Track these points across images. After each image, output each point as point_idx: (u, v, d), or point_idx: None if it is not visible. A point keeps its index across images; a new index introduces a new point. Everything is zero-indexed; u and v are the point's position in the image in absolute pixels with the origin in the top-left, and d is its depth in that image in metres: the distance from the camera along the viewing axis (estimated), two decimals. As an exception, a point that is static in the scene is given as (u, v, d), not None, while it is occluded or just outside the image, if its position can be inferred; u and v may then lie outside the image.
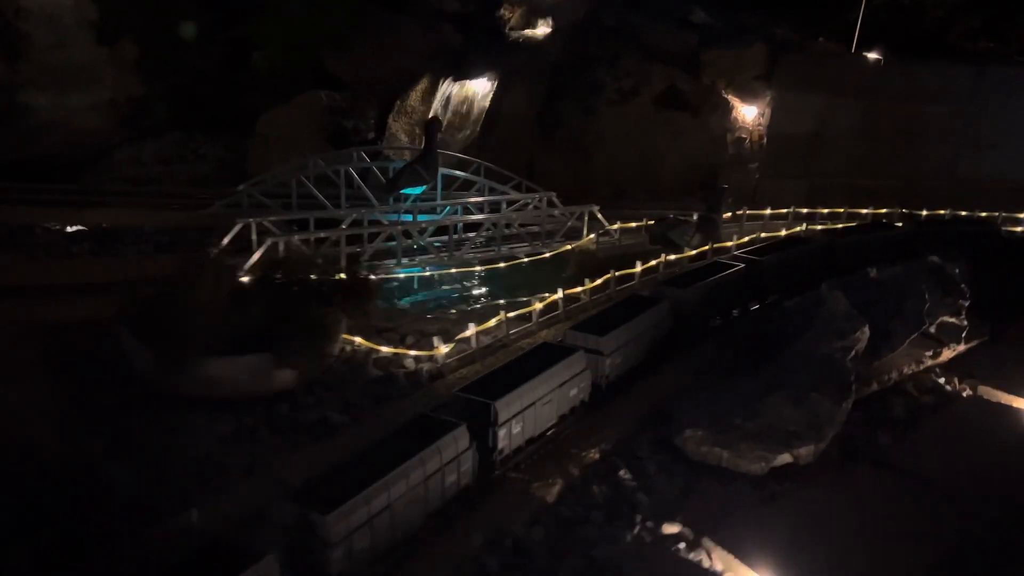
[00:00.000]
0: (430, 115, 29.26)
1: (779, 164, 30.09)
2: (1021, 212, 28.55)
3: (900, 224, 23.73)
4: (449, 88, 31.41)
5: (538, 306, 16.34)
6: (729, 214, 23.60)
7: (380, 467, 9.71)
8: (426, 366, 14.38)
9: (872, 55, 29.95)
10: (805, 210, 26.59)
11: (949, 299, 15.11)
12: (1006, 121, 32.00)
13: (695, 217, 22.74)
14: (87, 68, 29.97)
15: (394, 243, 20.76)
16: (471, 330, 14.92)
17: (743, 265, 17.53)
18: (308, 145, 28.69)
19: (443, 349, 14.28)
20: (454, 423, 10.66)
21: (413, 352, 14.61)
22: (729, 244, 21.64)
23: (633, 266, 20.28)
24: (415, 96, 31.06)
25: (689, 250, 21.45)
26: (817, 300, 14.49)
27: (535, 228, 23.66)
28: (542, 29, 33.11)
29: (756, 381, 12.79)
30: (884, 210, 27.20)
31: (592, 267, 22.49)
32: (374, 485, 9.46)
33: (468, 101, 31.34)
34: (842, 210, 26.67)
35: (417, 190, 23.11)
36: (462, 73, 31.72)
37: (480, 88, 31.45)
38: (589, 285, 17.75)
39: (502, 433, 11.13)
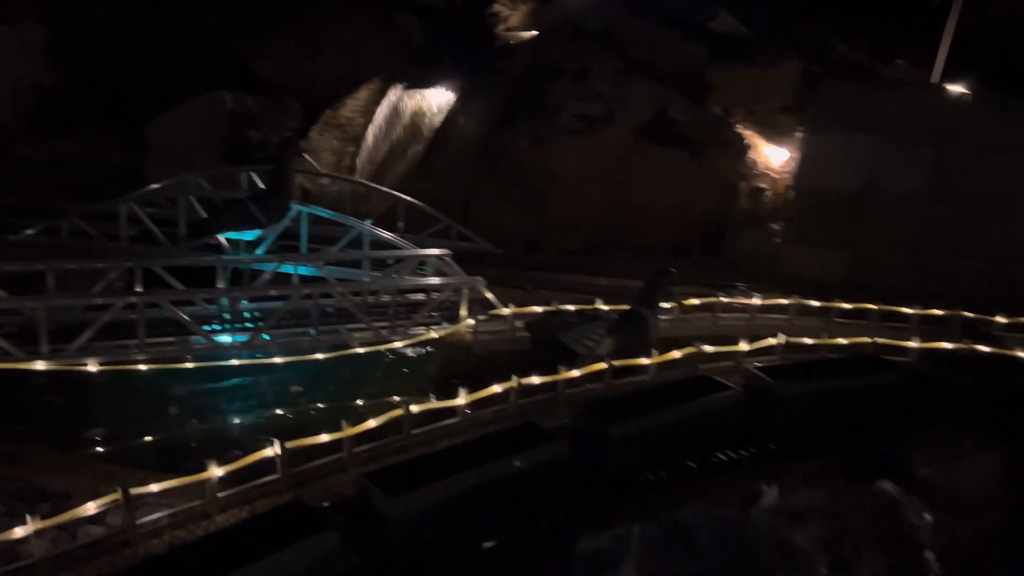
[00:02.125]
0: (372, 131, 23.20)
1: (810, 227, 22.18)
2: None
3: None
4: (399, 97, 25.24)
5: (215, 472, 9.87)
6: (671, 305, 16.22)
7: None
8: None
9: (955, 87, 21.57)
10: (816, 303, 18.75)
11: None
12: None
13: (631, 308, 15.46)
14: (-16, 51, 25.67)
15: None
16: (26, 526, 8.69)
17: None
18: (200, 158, 23.28)
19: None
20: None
21: None
22: (645, 361, 14.36)
23: (521, 371, 13.71)
24: (353, 105, 24.96)
25: (589, 362, 14.38)
26: None
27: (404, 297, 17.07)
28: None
29: None
30: (941, 312, 18.92)
31: (464, 369, 15.90)
32: None
33: (420, 116, 25.10)
34: (875, 307, 18.65)
35: (247, 235, 17.07)
36: (420, 80, 25.49)
37: (437, 101, 25.15)
38: (348, 431, 11.08)
39: None
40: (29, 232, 19.01)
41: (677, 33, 22.60)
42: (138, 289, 14.76)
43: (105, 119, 26.78)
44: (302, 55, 25.05)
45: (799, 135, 22.09)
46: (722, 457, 11.82)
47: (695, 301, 17.79)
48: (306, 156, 17.92)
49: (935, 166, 21.74)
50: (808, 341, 16.23)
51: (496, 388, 12.64)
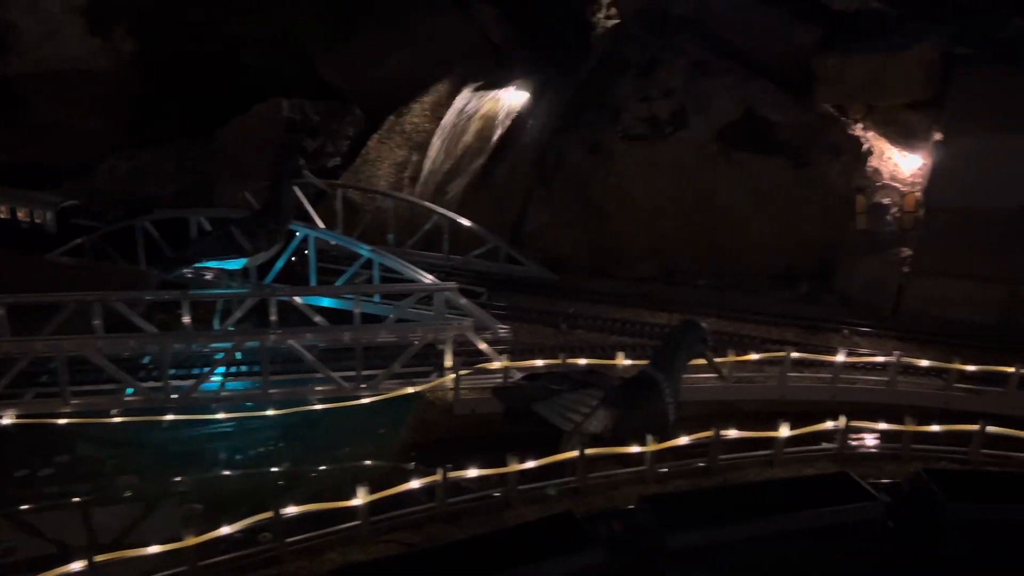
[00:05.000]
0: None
1: (948, 254, 17.33)
2: None
3: None
4: (471, 100, 22.80)
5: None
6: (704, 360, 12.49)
7: None
8: None
9: None
10: (925, 362, 14.25)
11: None
12: None
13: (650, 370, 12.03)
14: (81, 61, 26.12)
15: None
16: None
17: None
18: (256, 169, 22.16)
19: None
20: None
21: None
22: (634, 449, 11.00)
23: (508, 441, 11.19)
24: (420, 109, 22.94)
25: (577, 442, 11.30)
26: None
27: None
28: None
29: None
30: None
31: (440, 435, 13.32)
32: None
33: (490, 120, 22.52)
34: (1012, 369, 13.84)
35: (232, 264, 15.37)
36: (497, 79, 22.92)
37: (510, 102, 22.45)
38: (190, 541, 8.83)
39: None
40: (59, 250, 18.66)
41: (781, 13, 18.41)
42: (96, 325, 13.42)
43: (193, 128, 26.61)
44: (371, 57, 23.28)
45: (934, 139, 17.29)
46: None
47: (753, 356, 13.98)
48: (307, 174, 15.88)
49: None
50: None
51: (413, 484, 9.92)
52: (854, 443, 12.25)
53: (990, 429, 11.61)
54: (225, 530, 8.97)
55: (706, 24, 18.93)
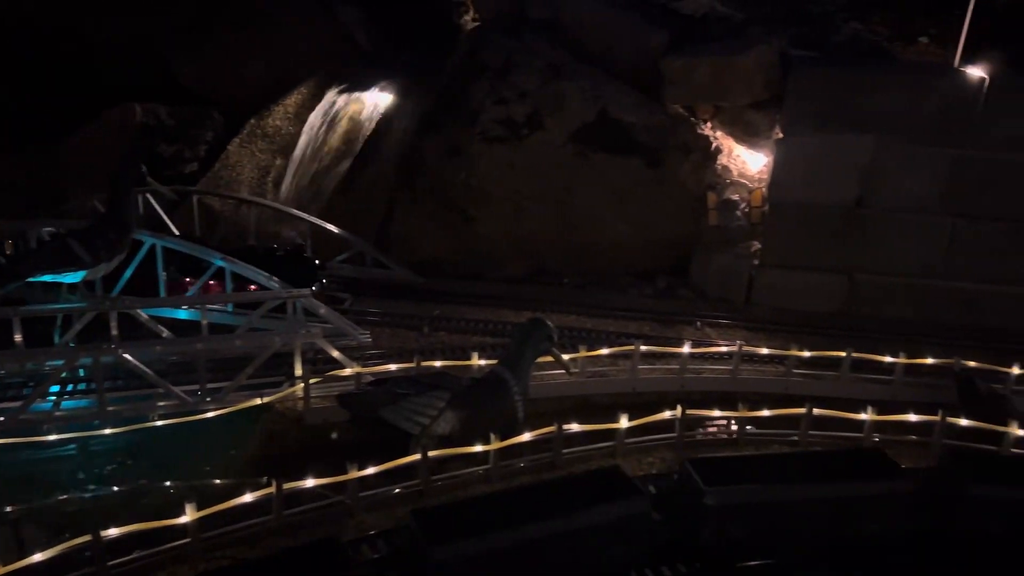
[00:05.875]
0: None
1: (792, 247, 18.26)
2: None
3: None
4: (336, 102, 22.53)
5: None
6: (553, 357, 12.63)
7: None
8: None
9: (974, 71, 17.21)
10: (765, 350, 14.99)
11: None
12: None
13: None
14: None
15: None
16: None
17: None
18: (107, 177, 21.19)
19: None
20: None
21: None
22: (477, 448, 11.11)
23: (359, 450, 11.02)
24: (282, 112, 22.52)
25: (423, 444, 11.28)
26: None
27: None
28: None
29: None
30: (932, 360, 14.69)
31: (294, 447, 13.09)
32: None
33: (357, 123, 22.33)
34: (844, 353, 14.63)
35: (69, 277, 14.62)
36: (362, 81, 22.72)
37: (376, 105, 22.32)
38: None
39: None
40: None
41: (633, 17, 18.93)
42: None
43: (41, 136, 25.20)
44: (230, 59, 22.66)
45: (774, 137, 18.15)
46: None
47: (604, 351, 14.32)
48: (151, 180, 15.30)
49: (951, 171, 17.45)
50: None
51: (246, 498, 9.69)
52: (713, 429, 12.82)
53: (817, 411, 12.22)
54: (37, 557, 8.52)
55: (562, 27, 19.29)
